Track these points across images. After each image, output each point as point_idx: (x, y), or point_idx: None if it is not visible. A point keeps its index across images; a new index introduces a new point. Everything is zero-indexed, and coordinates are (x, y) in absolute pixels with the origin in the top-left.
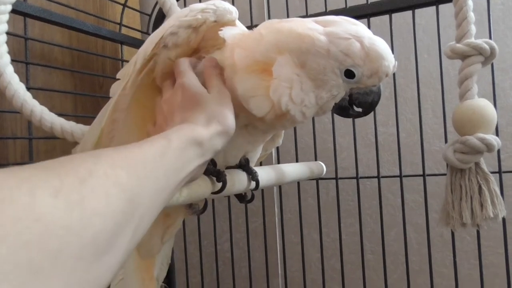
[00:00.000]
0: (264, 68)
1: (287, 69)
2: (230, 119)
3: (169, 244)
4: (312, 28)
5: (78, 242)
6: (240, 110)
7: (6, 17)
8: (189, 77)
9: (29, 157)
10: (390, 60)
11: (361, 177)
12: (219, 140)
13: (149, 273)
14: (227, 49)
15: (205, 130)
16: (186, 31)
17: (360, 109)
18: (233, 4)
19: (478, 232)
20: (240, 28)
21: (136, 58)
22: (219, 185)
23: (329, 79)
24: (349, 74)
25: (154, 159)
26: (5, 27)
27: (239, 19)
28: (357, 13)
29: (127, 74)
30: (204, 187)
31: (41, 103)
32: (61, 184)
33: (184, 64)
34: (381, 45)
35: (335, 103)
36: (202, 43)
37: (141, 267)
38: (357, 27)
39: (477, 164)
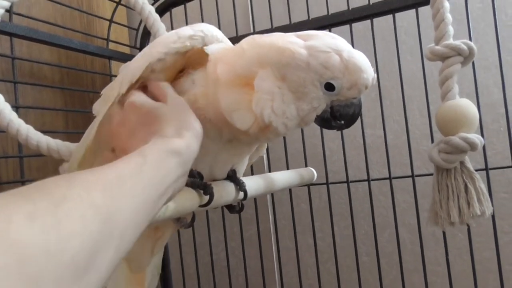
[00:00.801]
0: (246, 82)
1: (268, 82)
2: (196, 122)
3: (158, 255)
4: (293, 41)
5: (57, 264)
6: (224, 125)
7: None
8: (136, 95)
9: (20, 175)
10: (369, 73)
11: (351, 181)
12: (195, 145)
13: (140, 285)
14: (211, 64)
15: (180, 140)
16: (174, 57)
17: (342, 121)
18: (217, 14)
19: (468, 229)
20: (224, 43)
21: (122, 79)
22: (207, 198)
23: (310, 92)
24: (329, 86)
25: (130, 176)
26: None
27: (224, 28)
28: (339, 20)
29: (112, 95)
30: (191, 200)
31: (32, 121)
32: (36, 208)
33: (172, 88)
34: (360, 58)
35: (317, 115)
36: (187, 62)
37: (132, 281)
38: (337, 41)
39: (462, 163)
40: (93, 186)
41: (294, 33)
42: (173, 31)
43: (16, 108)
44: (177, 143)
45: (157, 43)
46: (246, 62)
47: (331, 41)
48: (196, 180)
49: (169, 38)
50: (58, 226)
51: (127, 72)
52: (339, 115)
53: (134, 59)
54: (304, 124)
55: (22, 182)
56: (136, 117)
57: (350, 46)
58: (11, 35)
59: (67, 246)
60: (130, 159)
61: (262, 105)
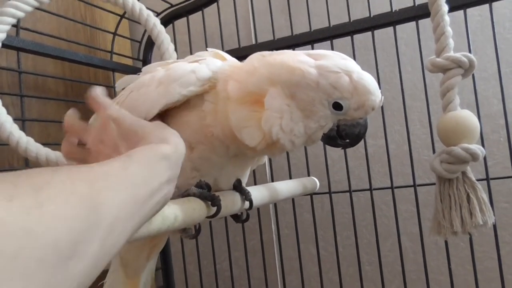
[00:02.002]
0: (256, 99)
1: (278, 100)
2: (179, 140)
3: (153, 261)
4: (303, 61)
5: (39, 244)
6: (231, 141)
7: None
8: (115, 108)
9: None
10: (376, 95)
11: (354, 190)
12: (182, 147)
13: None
14: (221, 82)
15: (167, 145)
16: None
17: (347, 140)
18: (220, 26)
19: (470, 238)
20: (228, 60)
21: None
22: (214, 209)
23: (318, 110)
24: (337, 106)
25: (115, 172)
26: None
27: (226, 40)
28: (341, 31)
29: None
30: (199, 211)
31: (37, 133)
32: (16, 191)
33: (103, 97)
34: (369, 80)
35: (324, 133)
36: None
37: (128, 286)
38: (347, 61)
39: (464, 173)
40: (78, 176)
41: (305, 51)
42: (189, 66)
43: (22, 121)
44: (164, 148)
45: (173, 78)
46: (257, 80)
47: (341, 61)
48: (205, 192)
49: (186, 77)
50: (40, 208)
51: (138, 103)
52: (344, 134)
53: (145, 88)
54: (311, 142)
55: None
56: (116, 131)
57: (359, 67)
58: (18, 49)
59: (50, 227)
60: (116, 159)
61: (271, 123)
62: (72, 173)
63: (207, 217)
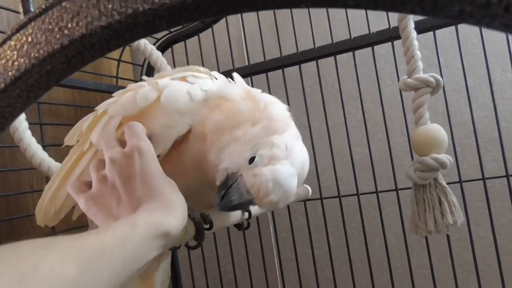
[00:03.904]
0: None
1: None
2: (184, 213)
3: (166, 260)
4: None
5: None
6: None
7: None
8: (147, 142)
9: None
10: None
11: (342, 196)
12: (182, 226)
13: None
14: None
15: (174, 220)
16: None
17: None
18: (215, 48)
19: (448, 235)
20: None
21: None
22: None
23: None
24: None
25: (112, 248)
26: None
27: (222, 61)
28: (325, 52)
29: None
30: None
31: (53, 155)
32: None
33: (139, 127)
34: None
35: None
36: None
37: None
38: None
39: (435, 179)
40: (71, 257)
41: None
42: (186, 94)
43: (43, 146)
44: (170, 224)
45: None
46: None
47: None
48: (196, 217)
49: (182, 100)
50: None
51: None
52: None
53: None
54: None
55: None
56: (139, 167)
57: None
58: None
59: None
60: (118, 227)
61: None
62: (65, 252)
63: (206, 229)
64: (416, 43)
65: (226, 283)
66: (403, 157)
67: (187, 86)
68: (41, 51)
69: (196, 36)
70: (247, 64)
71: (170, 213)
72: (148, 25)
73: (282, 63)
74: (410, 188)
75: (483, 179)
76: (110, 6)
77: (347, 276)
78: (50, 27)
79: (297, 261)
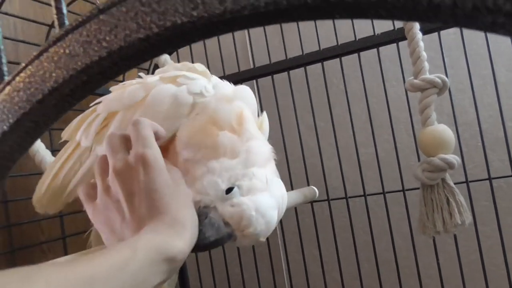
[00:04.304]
0: None
1: None
2: (193, 233)
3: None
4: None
5: None
6: None
7: None
8: (157, 150)
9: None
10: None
11: (349, 197)
12: (190, 248)
13: None
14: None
15: (181, 243)
16: None
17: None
18: (220, 49)
19: (455, 235)
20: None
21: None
22: None
23: None
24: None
25: (106, 278)
26: None
27: (227, 63)
28: (330, 54)
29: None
30: None
31: None
32: None
33: (147, 127)
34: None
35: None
36: None
37: None
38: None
39: (443, 180)
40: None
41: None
42: (172, 97)
43: (52, 151)
44: (176, 248)
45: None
46: None
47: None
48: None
49: (167, 103)
50: None
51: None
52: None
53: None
54: None
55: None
56: (143, 177)
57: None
58: None
59: None
60: (118, 251)
61: None
62: (49, 284)
63: None
64: (422, 44)
65: (234, 285)
66: (409, 158)
67: (174, 89)
68: (79, 63)
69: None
70: (252, 66)
71: (177, 234)
72: (185, 37)
73: (287, 65)
74: (416, 188)
75: (489, 179)
76: (148, 19)
77: (355, 277)
78: (88, 39)
79: (304, 262)
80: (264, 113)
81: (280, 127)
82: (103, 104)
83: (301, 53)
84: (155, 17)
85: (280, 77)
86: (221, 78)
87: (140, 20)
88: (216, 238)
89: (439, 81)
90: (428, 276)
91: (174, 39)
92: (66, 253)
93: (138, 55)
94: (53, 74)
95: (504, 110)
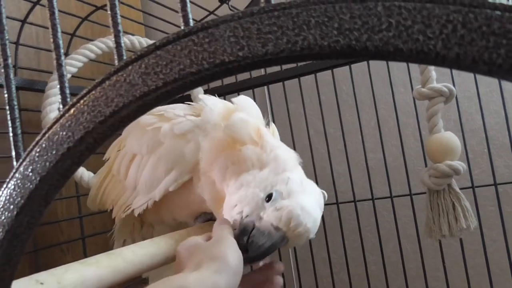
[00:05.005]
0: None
1: None
2: (228, 254)
3: None
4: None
5: None
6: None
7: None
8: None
9: (78, 212)
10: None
11: (358, 200)
12: (218, 277)
13: None
14: None
15: (192, 274)
16: None
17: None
18: None
19: (461, 238)
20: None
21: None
22: None
23: None
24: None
25: None
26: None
27: None
28: (340, 62)
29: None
30: None
31: (83, 164)
32: None
33: (227, 228)
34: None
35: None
36: None
37: None
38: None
39: (449, 185)
40: None
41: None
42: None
43: None
44: (186, 278)
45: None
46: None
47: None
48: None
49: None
50: None
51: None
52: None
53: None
54: None
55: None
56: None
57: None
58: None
59: None
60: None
61: None
62: None
63: None
64: None
65: None
66: (416, 163)
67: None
68: (138, 91)
69: None
70: (264, 73)
71: (193, 269)
72: (230, 72)
73: (298, 72)
74: (423, 193)
75: (495, 184)
76: (200, 56)
77: (362, 278)
78: (147, 71)
79: (313, 263)
80: (273, 124)
81: (291, 132)
82: (128, 145)
83: (311, 61)
84: (206, 55)
85: (291, 84)
86: (233, 84)
87: (193, 57)
88: (270, 244)
89: (446, 90)
90: (434, 278)
91: (220, 73)
92: (85, 253)
93: (189, 85)
94: (115, 100)
95: (510, 117)
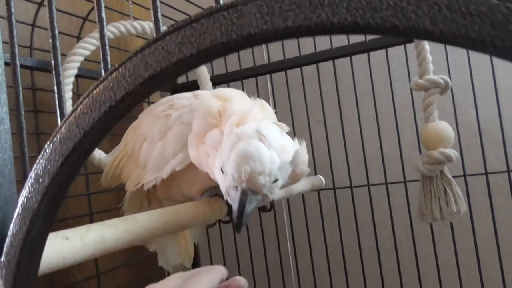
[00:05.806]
0: None
1: None
2: None
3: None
4: None
5: None
6: None
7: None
8: None
9: (89, 210)
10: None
11: (354, 186)
12: None
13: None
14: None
15: None
16: None
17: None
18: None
19: (452, 226)
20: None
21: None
22: None
23: None
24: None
25: None
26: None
27: (242, 57)
28: (341, 53)
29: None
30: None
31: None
32: None
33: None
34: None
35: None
36: None
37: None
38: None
39: (442, 172)
40: None
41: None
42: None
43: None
44: None
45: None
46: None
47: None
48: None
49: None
50: None
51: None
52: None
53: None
54: None
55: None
56: None
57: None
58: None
59: None
60: None
61: None
62: None
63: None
64: (427, 47)
65: (243, 268)
66: (411, 152)
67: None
68: (174, 58)
69: None
70: (267, 62)
71: None
72: (254, 43)
73: (300, 62)
74: (417, 180)
75: (486, 173)
76: (230, 29)
77: (357, 261)
78: (182, 40)
79: (310, 248)
80: (261, 100)
81: (292, 120)
82: (142, 129)
83: (314, 51)
84: (235, 28)
85: (293, 73)
86: (237, 72)
87: (223, 29)
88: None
89: (442, 81)
90: (426, 262)
91: (246, 44)
92: None
93: (218, 53)
94: (153, 65)
95: (503, 112)
